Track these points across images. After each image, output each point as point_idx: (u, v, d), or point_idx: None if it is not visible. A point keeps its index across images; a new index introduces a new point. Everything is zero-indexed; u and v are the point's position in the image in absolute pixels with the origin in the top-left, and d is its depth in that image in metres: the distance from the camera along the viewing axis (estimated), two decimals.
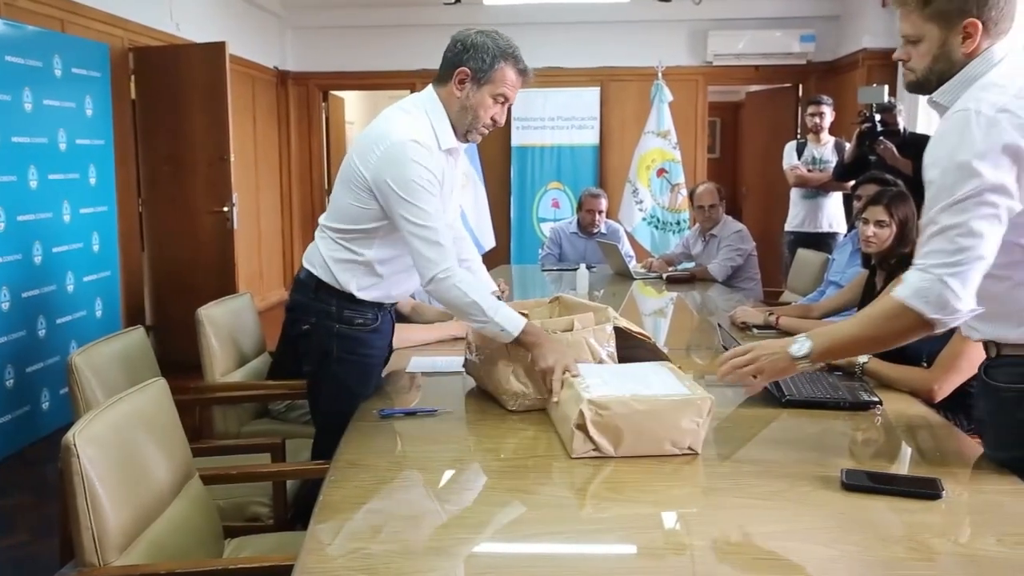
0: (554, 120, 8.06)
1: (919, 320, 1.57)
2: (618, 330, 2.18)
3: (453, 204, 2.42)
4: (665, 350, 3.16)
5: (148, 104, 5.72)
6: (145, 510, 1.70)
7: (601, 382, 1.87)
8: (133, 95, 5.67)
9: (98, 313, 4.99)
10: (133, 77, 5.64)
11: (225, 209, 5.75)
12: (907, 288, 1.58)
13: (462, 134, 2.25)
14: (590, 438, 1.73)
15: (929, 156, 1.59)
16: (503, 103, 2.22)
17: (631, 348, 2.22)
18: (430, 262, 2.10)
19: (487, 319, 2.07)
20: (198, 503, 1.92)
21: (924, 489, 1.55)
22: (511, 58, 2.18)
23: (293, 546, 1.95)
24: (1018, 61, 1.60)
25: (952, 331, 2.11)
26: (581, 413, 1.72)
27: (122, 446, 1.68)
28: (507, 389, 2.08)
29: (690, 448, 1.76)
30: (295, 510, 2.38)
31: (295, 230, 8.47)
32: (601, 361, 2.11)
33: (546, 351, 2.02)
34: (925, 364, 2.30)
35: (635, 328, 2.23)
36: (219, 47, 5.68)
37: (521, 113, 7.97)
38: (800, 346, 1.74)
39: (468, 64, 2.16)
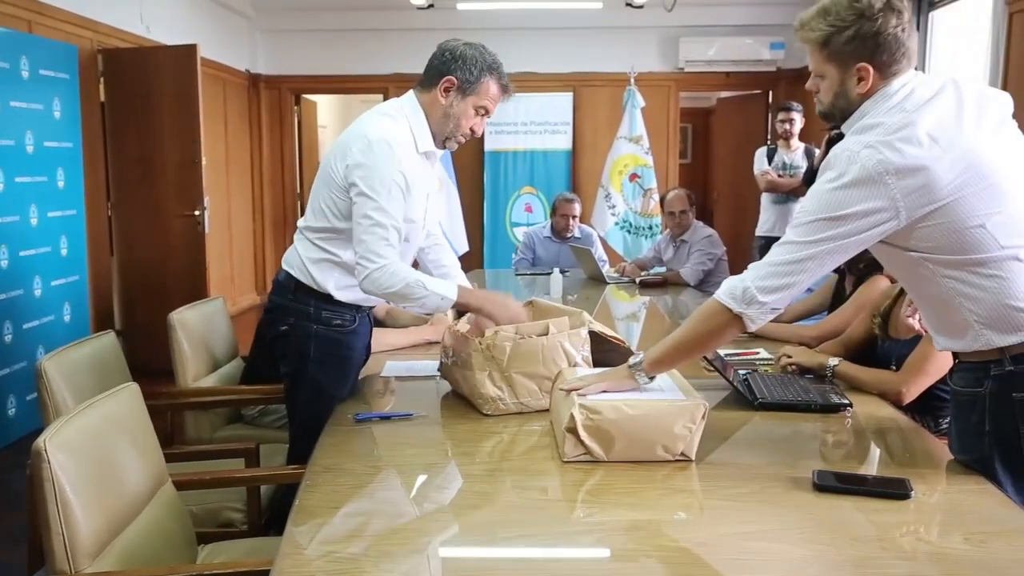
0: (527, 125, 8.08)
1: (727, 315, 1.71)
2: (593, 334, 2.20)
3: (432, 208, 2.44)
4: (640, 355, 3.20)
5: (118, 106, 5.65)
6: (117, 516, 1.68)
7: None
8: (102, 97, 5.60)
9: (66, 318, 4.92)
10: (102, 79, 5.57)
11: (196, 213, 5.70)
12: (721, 288, 1.74)
13: (441, 141, 2.31)
14: (581, 442, 1.73)
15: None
16: (483, 115, 2.31)
17: (605, 352, 2.24)
18: (374, 256, 2.13)
19: (427, 291, 2.14)
20: (171, 509, 1.90)
21: (893, 489, 1.58)
22: (496, 73, 2.27)
23: (267, 551, 1.95)
24: (911, 90, 1.65)
25: (920, 336, 2.15)
26: (572, 417, 1.72)
27: (94, 452, 1.66)
28: (482, 393, 2.08)
29: (683, 454, 1.76)
30: (269, 515, 2.36)
31: (267, 234, 8.41)
32: (575, 365, 2.12)
33: (491, 310, 2.19)
34: (894, 367, 2.34)
35: (609, 332, 2.25)
36: (190, 49, 5.64)
37: (494, 118, 7.76)
38: (635, 356, 1.85)
39: (456, 74, 2.23)
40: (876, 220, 1.59)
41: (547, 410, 2.08)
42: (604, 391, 1.82)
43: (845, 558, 1.37)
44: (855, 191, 1.58)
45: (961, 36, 5.55)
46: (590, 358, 2.16)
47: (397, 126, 2.22)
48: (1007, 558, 1.37)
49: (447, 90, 2.24)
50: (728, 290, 1.72)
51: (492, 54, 2.29)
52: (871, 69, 1.65)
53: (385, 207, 2.14)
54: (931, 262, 1.63)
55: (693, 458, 1.76)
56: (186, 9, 6.75)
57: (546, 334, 2.12)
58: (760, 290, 1.67)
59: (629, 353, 2.25)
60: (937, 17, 5.79)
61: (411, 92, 2.31)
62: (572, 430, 1.73)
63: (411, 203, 2.23)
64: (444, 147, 2.35)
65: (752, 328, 1.74)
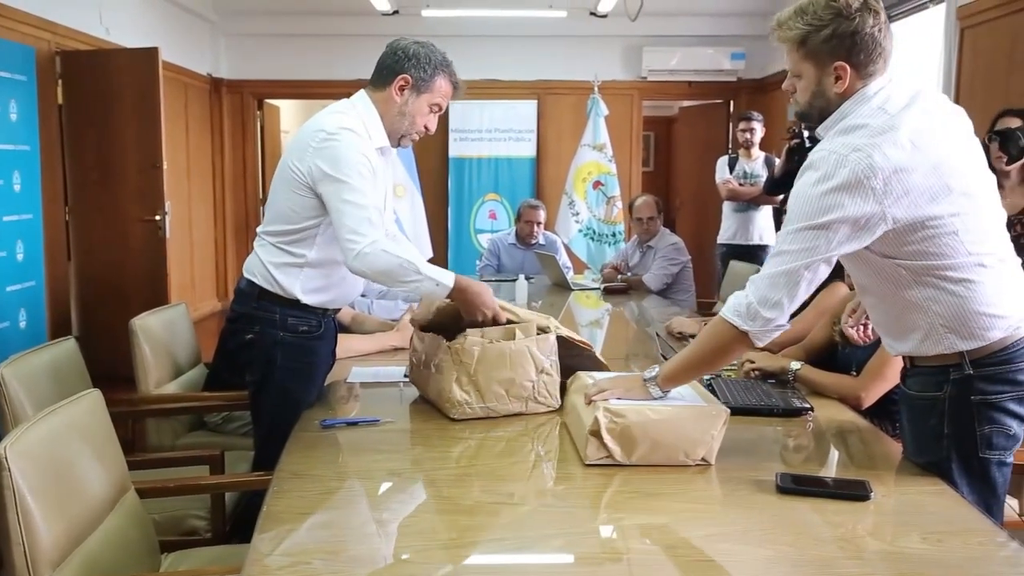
0: (491, 132, 8.10)
1: (734, 333, 1.72)
2: (560, 339, 2.21)
3: (390, 205, 2.45)
4: (603, 359, 3.22)
5: (76, 109, 5.56)
6: (79, 525, 1.66)
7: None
8: (60, 100, 5.51)
9: (22, 324, 4.81)
10: (60, 81, 5.47)
11: (157, 218, 5.62)
12: (726, 305, 1.75)
13: (395, 139, 2.34)
14: (604, 445, 1.75)
15: (795, 185, 1.70)
16: (436, 112, 2.34)
17: (572, 357, 2.25)
18: (358, 235, 2.10)
19: (422, 275, 2.12)
20: (134, 517, 1.88)
21: (853, 491, 1.62)
22: (447, 70, 2.31)
23: (232, 559, 1.94)
24: (889, 95, 1.68)
25: (880, 342, 2.20)
26: (596, 420, 1.73)
27: (55, 459, 1.64)
28: (450, 398, 2.08)
29: (703, 459, 1.78)
30: (233, 523, 2.34)
31: (228, 240, 8.32)
32: (542, 371, 2.14)
33: (479, 291, 2.18)
34: (854, 372, 2.39)
35: (576, 337, 2.27)
36: (151, 53, 5.57)
37: (458, 125, 7.99)
38: (651, 370, 1.86)
39: (410, 72, 2.26)
40: (865, 224, 1.61)
41: (515, 415, 2.10)
42: (619, 398, 1.83)
43: (807, 558, 1.40)
44: (844, 196, 1.59)
45: (915, 49, 5.68)
46: (557, 363, 2.18)
47: (351, 119, 2.23)
48: (962, 556, 1.41)
49: (402, 88, 2.27)
50: (732, 307, 1.74)
51: (442, 52, 2.32)
52: (848, 68, 1.67)
53: (359, 188, 2.13)
54: (905, 268, 1.66)
55: (713, 463, 1.78)
56: (147, 12, 6.66)
57: (513, 339, 2.13)
58: (761, 304, 1.68)
59: (596, 358, 2.27)
60: (892, 30, 5.92)
61: (362, 91, 2.33)
62: (596, 433, 1.74)
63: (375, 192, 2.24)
64: (399, 145, 2.36)
65: (759, 344, 1.75)
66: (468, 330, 2.11)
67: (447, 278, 2.15)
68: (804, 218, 1.64)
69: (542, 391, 2.14)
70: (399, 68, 2.26)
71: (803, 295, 1.69)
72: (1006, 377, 1.67)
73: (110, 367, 3.08)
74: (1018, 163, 3.02)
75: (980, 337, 1.66)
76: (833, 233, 1.62)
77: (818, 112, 1.75)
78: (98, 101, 5.53)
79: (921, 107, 1.66)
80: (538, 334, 2.15)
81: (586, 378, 2.02)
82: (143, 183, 5.61)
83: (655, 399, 1.83)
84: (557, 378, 2.18)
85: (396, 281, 2.14)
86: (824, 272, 1.68)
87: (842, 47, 1.67)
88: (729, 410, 1.81)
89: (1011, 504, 2.37)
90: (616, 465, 1.75)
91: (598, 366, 2.27)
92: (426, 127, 2.34)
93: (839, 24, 1.65)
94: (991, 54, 4.59)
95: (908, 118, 1.63)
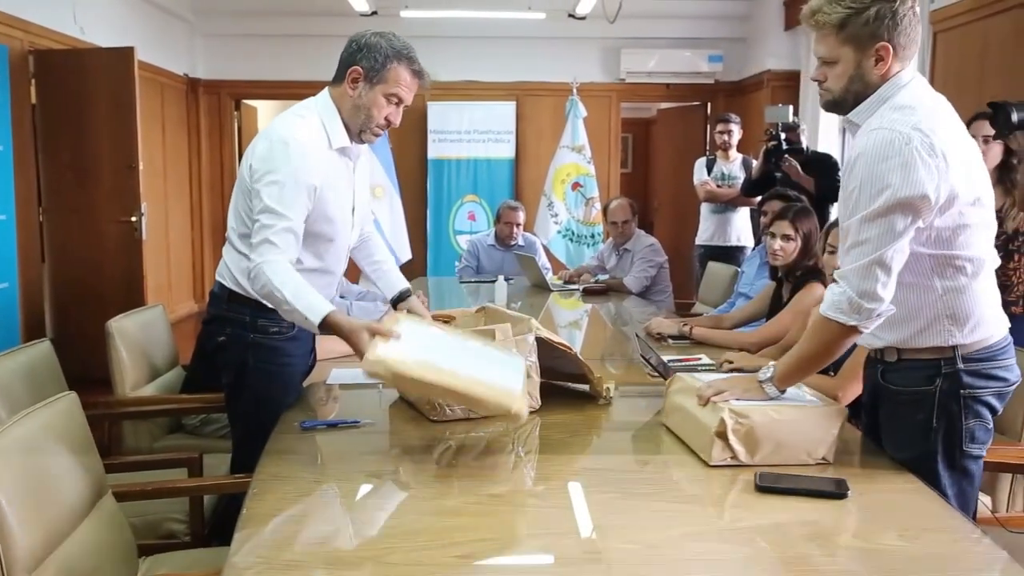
0: (470, 133, 8.10)
1: (841, 328, 1.71)
2: (541, 342, 2.22)
3: (360, 205, 2.40)
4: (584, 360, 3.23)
5: (50, 109, 5.50)
6: (55, 529, 1.64)
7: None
8: (34, 99, 5.44)
9: None
10: (34, 81, 5.41)
11: (133, 219, 5.57)
12: (825, 302, 1.73)
13: (356, 134, 2.25)
14: (729, 446, 1.75)
15: (849, 170, 1.71)
16: (397, 103, 2.23)
17: (554, 359, 2.26)
18: (256, 254, 2.06)
19: (291, 307, 2.01)
20: (111, 521, 1.86)
21: (831, 489, 1.64)
22: (405, 59, 2.20)
23: (211, 562, 1.93)
24: (922, 85, 1.76)
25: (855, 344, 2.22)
26: (722, 421, 1.74)
27: (31, 463, 1.62)
28: (430, 400, 2.08)
29: (824, 458, 1.79)
30: (212, 526, 2.33)
31: (205, 241, 8.26)
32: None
33: (356, 340, 1.94)
34: (832, 373, 2.41)
35: (556, 339, 2.27)
36: (127, 52, 5.52)
37: (437, 126, 7.98)
38: (766, 371, 1.85)
39: (361, 63, 2.18)
40: (933, 201, 1.64)
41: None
42: (737, 399, 1.82)
43: (786, 557, 1.42)
44: (913, 173, 1.61)
45: None
46: (537, 365, 2.18)
47: (306, 124, 2.17)
48: (939, 552, 1.44)
49: (354, 81, 2.19)
50: (833, 304, 1.72)
51: (402, 40, 2.22)
52: (891, 49, 1.69)
53: (276, 207, 2.07)
54: (930, 254, 1.71)
55: (832, 461, 1.79)
56: (122, 11, 6.60)
57: (492, 339, 2.13)
58: (862, 297, 1.68)
59: (577, 359, 2.27)
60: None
61: (325, 89, 2.27)
62: (722, 434, 1.74)
63: (327, 202, 2.19)
64: (361, 141, 2.28)
65: (868, 331, 1.75)
66: (453, 331, 2.11)
67: (315, 315, 1.99)
68: (875, 200, 1.64)
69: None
70: (351, 60, 2.19)
71: (896, 275, 1.68)
72: (990, 372, 1.75)
73: (86, 370, 3.04)
74: (993, 146, 3.07)
75: (976, 331, 1.73)
76: (907, 212, 1.63)
77: (854, 97, 1.76)
78: (72, 101, 5.47)
79: (944, 101, 1.75)
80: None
81: (690, 380, 1.99)
82: (119, 184, 5.56)
83: (772, 399, 1.82)
84: (537, 379, 2.17)
85: (274, 305, 2.06)
86: (906, 253, 1.68)
87: (885, 28, 1.68)
88: (846, 409, 1.83)
89: (984, 501, 2.41)
90: (602, 468, 1.76)
91: (579, 367, 2.27)
92: (388, 120, 2.24)
93: (881, 5, 1.67)
94: (963, 58, 4.65)
95: (941, 107, 1.72)
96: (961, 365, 1.74)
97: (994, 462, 2.23)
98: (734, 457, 1.76)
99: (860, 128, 1.76)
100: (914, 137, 1.63)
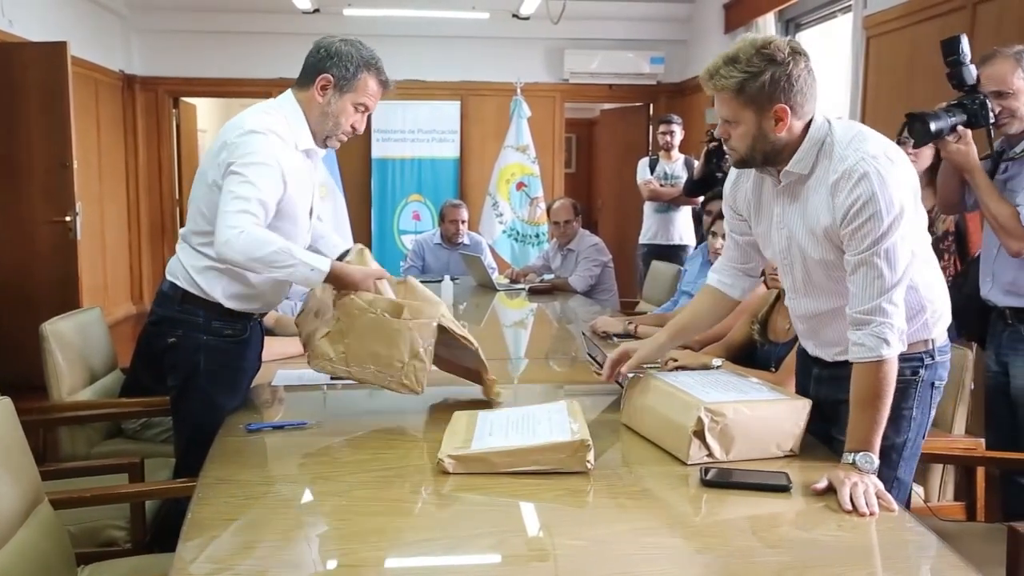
0: (414, 133, 8.06)
1: (892, 360, 1.71)
2: (445, 332, 2.14)
3: (317, 207, 2.39)
4: (525, 360, 3.26)
5: None
6: None
7: (498, 426, 1.89)
8: None
9: None
10: None
11: (67, 219, 5.41)
12: (866, 348, 1.71)
13: (321, 140, 2.27)
14: (705, 444, 1.76)
15: (853, 214, 1.70)
16: (363, 112, 2.27)
17: (452, 351, 2.23)
18: (232, 225, 2.01)
19: (296, 260, 2.03)
20: (47, 529, 1.81)
21: (775, 483, 1.67)
22: (374, 68, 2.24)
23: (153, 569, 1.89)
24: (836, 120, 1.83)
25: (796, 339, 2.28)
26: (699, 420, 1.75)
27: None
28: (315, 347, 2.08)
29: (791, 450, 1.83)
30: (153, 533, 2.28)
31: (143, 242, 8.06)
32: (415, 355, 2.07)
33: (357, 280, 2.10)
34: (773, 369, 2.46)
35: (459, 331, 2.17)
36: (59, 47, 5.36)
37: (381, 125, 7.93)
38: (865, 463, 1.68)
39: (331, 71, 2.20)
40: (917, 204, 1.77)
41: (374, 387, 2.09)
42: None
43: (732, 549, 1.45)
44: (903, 192, 1.70)
45: (826, 57, 5.89)
46: (432, 351, 2.11)
47: (275, 121, 2.17)
48: (875, 541, 1.49)
49: (324, 88, 2.20)
50: (886, 346, 1.69)
51: (370, 50, 2.25)
52: (788, 109, 1.73)
53: (254, 182, 2.05)
54: (912, 254, 1.76)
55: (798, 452, 1.83)
56: (52, 5, 6.40)
57: (399, 316, 2.08)
58: (902, 316, 1.72)
59: (478, 357, 2.21)
60: (803, 38, 6.13)
61: (289, 91, 2.26)
62: (699, 433, 1.76)
63: (292, 201, 2.19)
64: (325, 146, 2.29)
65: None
66: (363, 293, 2.10)
67: (322, 263, 2.06)
68: (896, 225, 1.68)
69: (410, 375, 2.07)
70: (321, 67, 2.20)
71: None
72: (946, 364, 1.92)
73: (18, 376, 2.96)
74: (924, 149, 3.17)
75: (940, 326, 1.88)
76: (906, 227, 1.70)
77: (762, 155, 1.80)
78: (1, 96, 5.30)
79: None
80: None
81: (653, 380, 1.98)
82: (51, 183, 5.40)
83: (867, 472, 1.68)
84: (428, 366, 2.11)
85: (269, 266, 2.03)
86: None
87: (780, 90, 1.71)
88: (810, 401, 1.87)
89: (917, 491, 2.49)
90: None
91: (479, 366, 2.25)
92: (353, 127, 2.28)
93: (775, 69, 1.70)
94: (894, 62, 4.80)
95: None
96: (938, 357, 1.88)
97: (927, 453, 2.31)
98: (710, 455, 1.78)
99: (807, 175, 1.79)
100: (892, 154, 1.72)
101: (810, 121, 1.78)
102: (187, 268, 2.22)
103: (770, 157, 1.80)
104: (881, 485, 1.63)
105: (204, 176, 2.19)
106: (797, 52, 1.73)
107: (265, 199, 2.08)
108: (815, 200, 1.78)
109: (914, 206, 1.74)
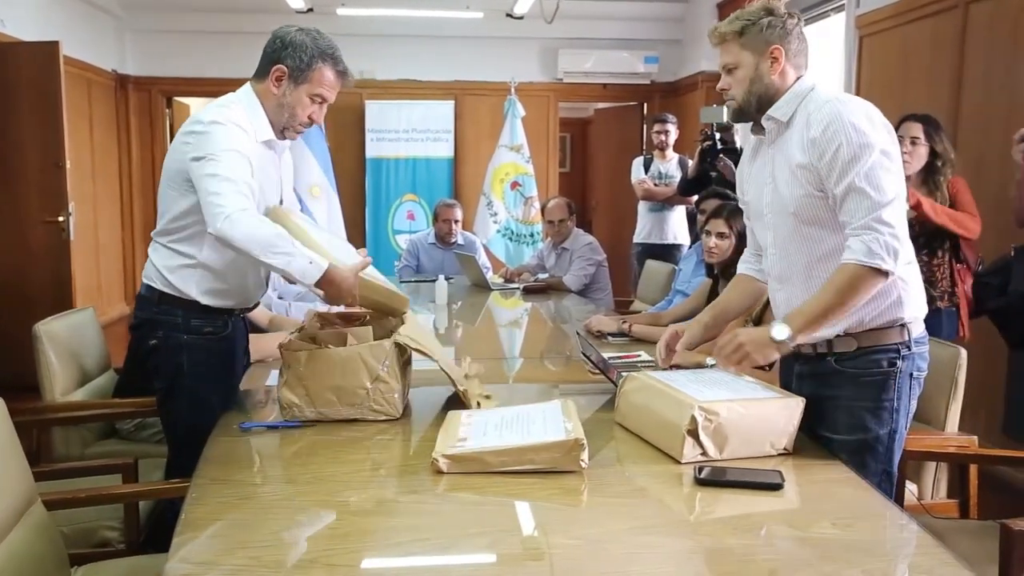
0: (408, 132, 8.05)
1: (876, 276, 1.79)
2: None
3: (287, 199, 2.40)
4: (520, 360, 3.26)
5: None
6: None
7: (492, 426, 1.87)
8: None
9: None
10: None
11: (60, 219, 5.40)
12: (857, 252, 1.79)
13: (279, 131, 2.26)
14: (699, 443, 1.76)
15: (821, 140, 1.83)
16: (321, 103, 2.24)
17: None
18: (224, 200, 1.98)
19: (294, 249, 1.99)
20: (41, 530, 1.81)
21: (768, 481, 1.68)
22: (330, 59, 2.21)
23: (147, 570, 1.89)
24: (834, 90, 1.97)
25: None
26: (693, 419, 1.74)
27: None
28: (280, 398, 2.04)
29: (785, 448, 1.84)
30: (147, 533, 2.27)
31: (136, 242, 8.04)
32: (377, 378, 2.02)
33: (348, 286, 2.06)
34: (767, 368, 2.46)
35: (416, 346, 2.08)
36: (52, 47, 5.35)
37: (376, 125, 7.92)
38: (779, 330, 1.88)
39: (286, 62, 2.18)
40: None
41: (350, 421, 2.04)
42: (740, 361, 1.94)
43: (725, 547, 1.45)
44: (879, 130, 1.82)
45: (818, 56, 5.91)
46: (397, 370, 2.07)
47: (232, 113, 2.15)
48: (870, 539, 1.49)
49: (279, 79, 2.19)
50: (869, 252, 1.77)
51: (327, 39, 2.22)
52: (783, 51, 1.93)
53: (226, 163, 2.03)
54: None
55: (792, 451, 1.84)
56: (46, 4, 6.39)
57: (344, 345, 2.05)
58: (900, 239, 1.78)
59: (444, 371, 2.16)
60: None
61: (247, 84, 2.26)
62: (693, 432, 1.76)
63: (260, 189, 2.17)
64: (284, 137, 2.28)
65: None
66: (296, 334, 2.11)
67: (321, 259, 2.02)
68: (867, 151, 1.78)
69: (378, 399, 2.04)
70: (276, 58, 2.18)
71: None
72: (924, 356, 1.95)
73: (11, 376, 2.95)
74: (919, 148, 3.23)
75: (912, 309, 1.91)
76: (892, 160, 1.82)
77: (756, 100, 1.96)
78: None
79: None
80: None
81: (646, 379, 1.98)
82: (44, 183, 5.39)
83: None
84: (396, 385, 2.05)
85: (267, 251, 1.97)
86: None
87: (776, 35, 1.94)
88: (803, 400, 1.87)
89: (911, 488, 2.50)
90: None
91: (447, 378, 2.19)
92: (311, 119, 2.24)
93: (772, 18, 1.94)
94: (887, 62, 4.81)
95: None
96: (915, 347, 1.91)
97: (920, 451, 2.33)
98: (704, 454, 1.78)
99: (787, 122, 1.93)
100: (859, 102, 1.87)
101: (800, 79, 1.96)
102: (160, 269, 2.22)
103: (763, 103, 1.96)
104: (774, 358, 1.94)
105: (169, 174, 2.18)
106: (791, 15, 1.96)
107: (250, 183, 2.07)
108: (791, 144, 1.91)
109: (892, 151, 1.83)
